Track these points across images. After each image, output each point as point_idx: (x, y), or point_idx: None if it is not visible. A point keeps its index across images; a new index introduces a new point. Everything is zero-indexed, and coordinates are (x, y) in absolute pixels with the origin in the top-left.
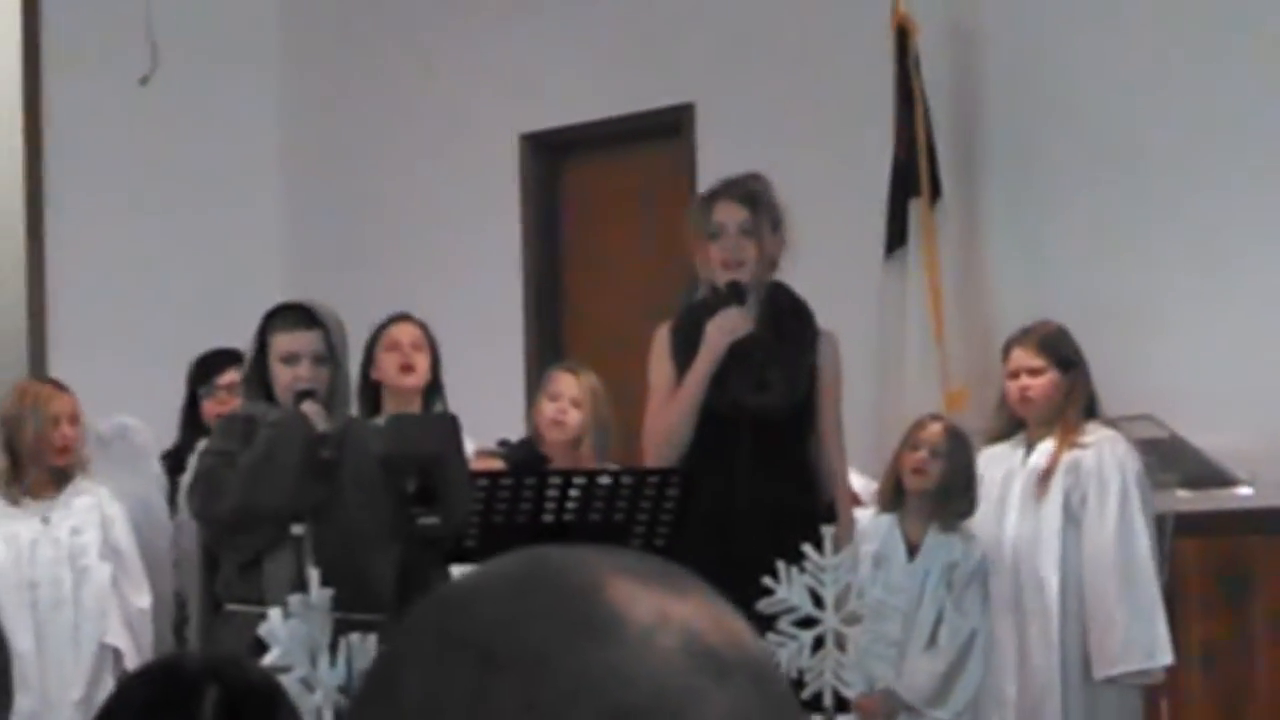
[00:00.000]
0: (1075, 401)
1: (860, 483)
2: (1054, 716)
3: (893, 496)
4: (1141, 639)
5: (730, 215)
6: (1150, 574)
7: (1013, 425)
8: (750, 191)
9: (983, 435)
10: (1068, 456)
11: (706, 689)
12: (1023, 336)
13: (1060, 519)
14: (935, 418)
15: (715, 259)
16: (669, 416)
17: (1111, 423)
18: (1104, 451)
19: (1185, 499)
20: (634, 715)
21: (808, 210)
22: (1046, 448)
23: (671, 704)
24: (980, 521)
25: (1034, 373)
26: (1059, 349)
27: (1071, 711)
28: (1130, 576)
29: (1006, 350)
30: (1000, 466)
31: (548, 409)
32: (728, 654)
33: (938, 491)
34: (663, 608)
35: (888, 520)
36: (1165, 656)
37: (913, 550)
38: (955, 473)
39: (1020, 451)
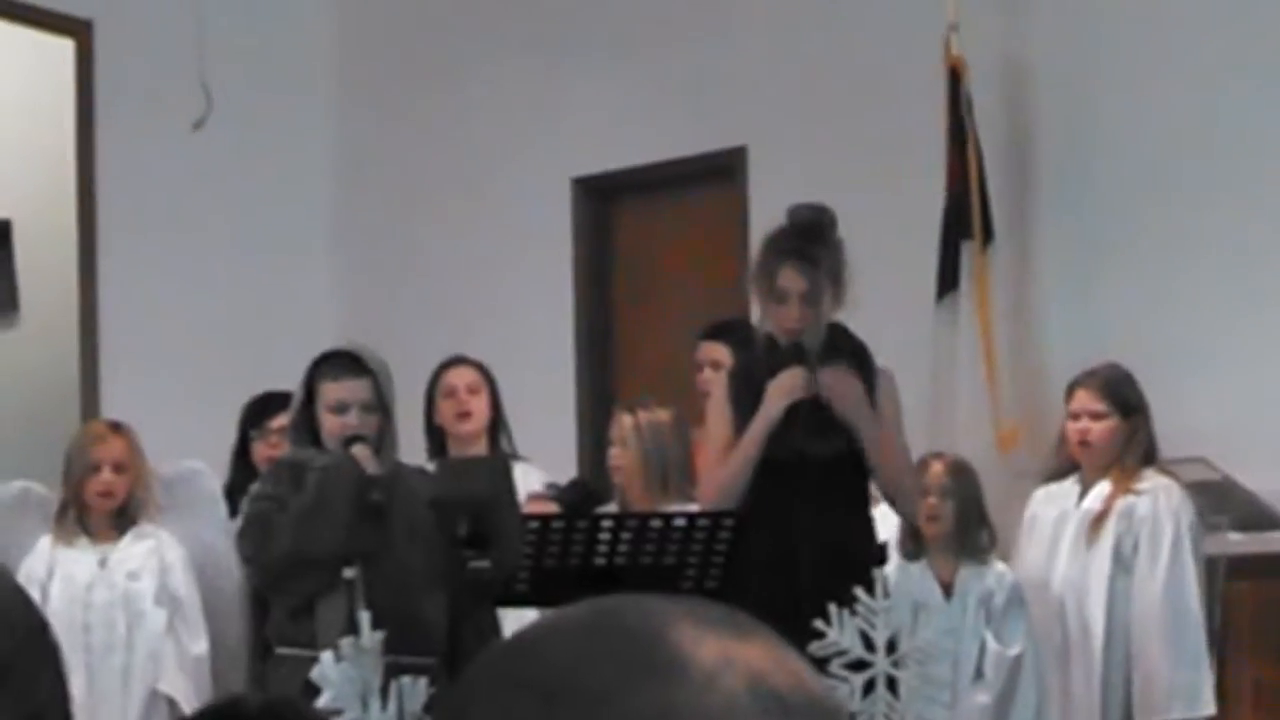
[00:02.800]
0: (1134, 448)
1: None
2: None
3: (913, 544)
4: (1186, 688)
5: (793, 283)
6: (1198, 624)
7: (1070, 465)
8: (816, 257)
9: (1040, 474)
10: (1121, 502)
11: None
12: (1087, 379)
13: (1110, 564)
14: (936, 456)
15: (776, 322)
16: (725, 473)
17: (1168, 470)
18: (1159, 499)
19: (1237, 541)
20: None
21: (860, 253)
22: (1101, 492)
23: None
24: (1031, 561)
25: (1096, 417)
26: (1122, 394)
27: None
28: (1178, 625)
29: (1070, 391)
30: (1054, 507)
31: (609, 454)
32: (792, 696)
33: (955, 529)
34: (727, 650)
35: (917, 568)
36: (1208, 707)
37: (947, 590)
38: (968, 507)
39: (1074, 494)
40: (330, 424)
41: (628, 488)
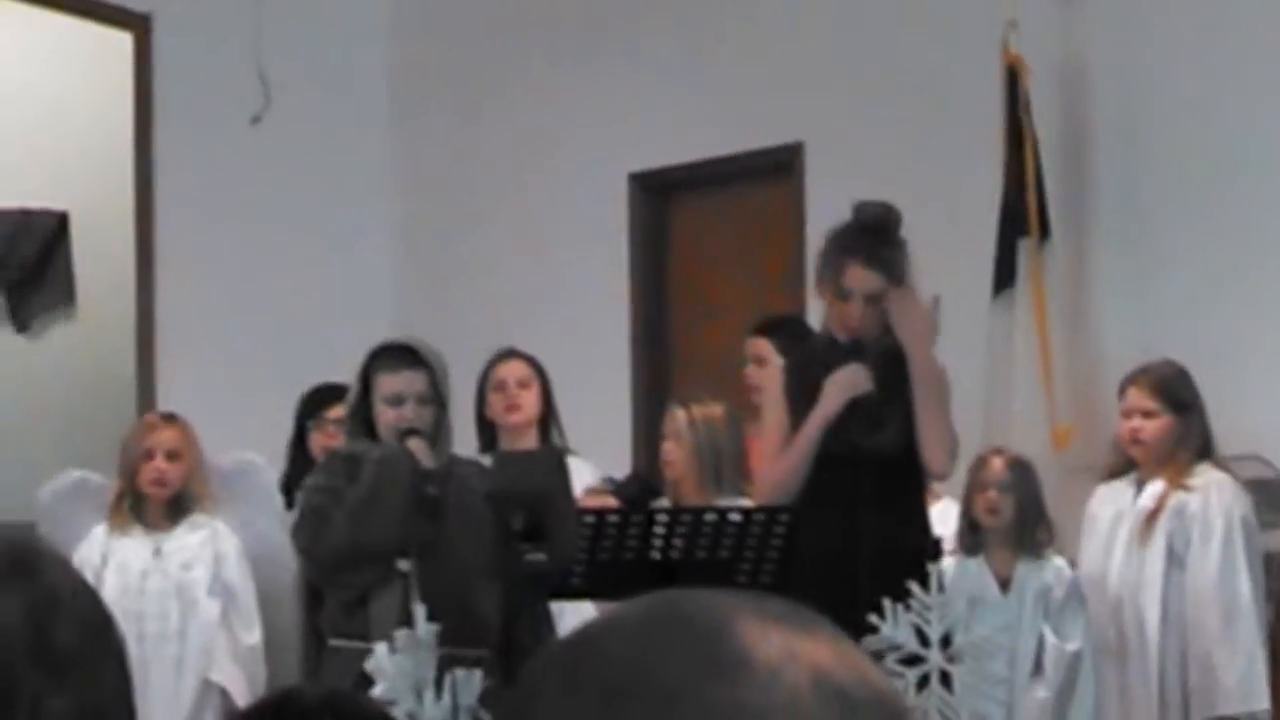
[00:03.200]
0: (1187, 445)
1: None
2: None
3: (971, 540)
4: (1239, 683)
5: (860, 283)
6: (1251, 618)
7: (1127, 463)
8: (884, 259)
9: (1098, 472)
10: (1174, 499)
11: None
12: (1140, 376)
13: (1163, 561)
14: (996, 452)
15: (838, 319)
16: (781, 467)
17: (1223, 465)
18: (1210, 495)
19: None
20: None
21: (916, 249)
22: (1155, 489)
23: None
24: (1088, 560)
25: (1147, 415)
26: (1174, 391)
27: None
28: (1231, 620)
29: (1123, 389)
30: (1111, 506)
31: (662, 449)
32: (856, 692)
33: (1015, 524)
34: (791, 646)
35: (975, 563)
36: (1262, 701)
37: (1004, 585)
38: (1027, 503)
39: (1130, 492)
40: (386, 416)
41: (680, 482)
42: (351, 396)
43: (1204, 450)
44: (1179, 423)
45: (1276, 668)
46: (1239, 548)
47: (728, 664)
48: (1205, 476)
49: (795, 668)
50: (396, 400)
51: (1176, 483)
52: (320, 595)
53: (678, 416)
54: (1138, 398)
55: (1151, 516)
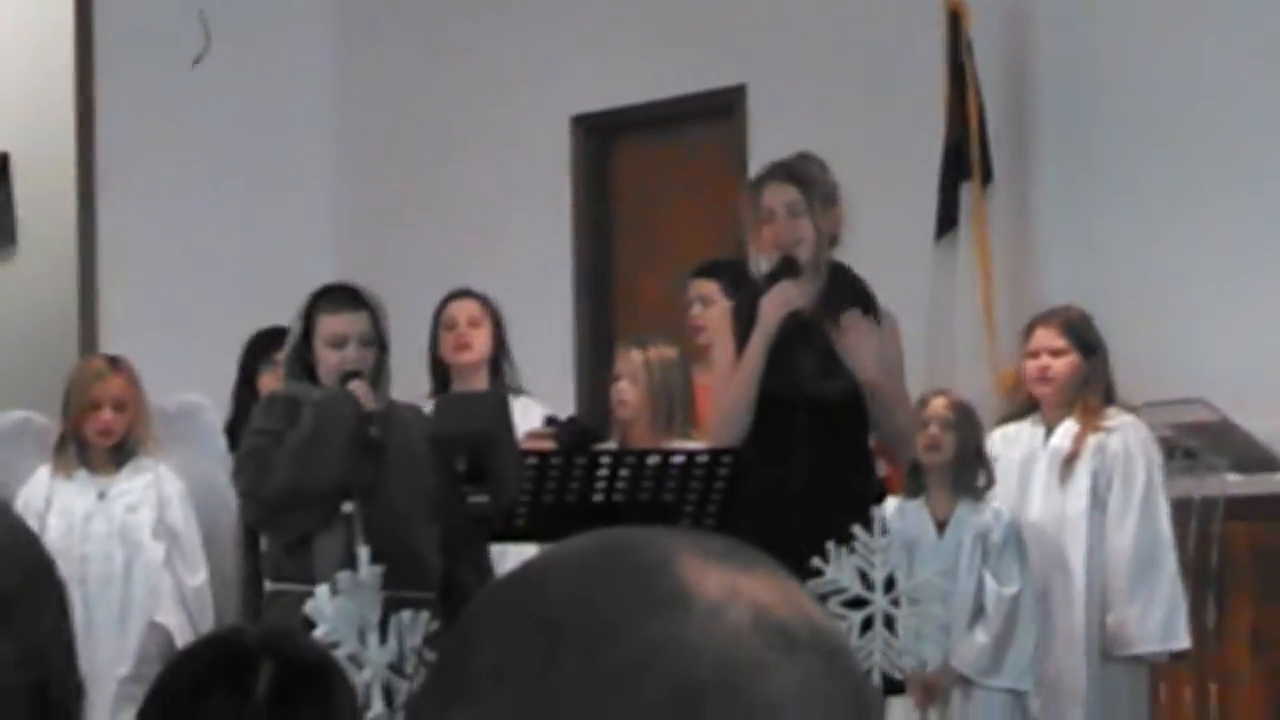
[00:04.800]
0: (1095, 386)
1: None
2: (1077, 694)
3: (913, 483)
4: (1159, 623)
5: (778, 197)
6: (1171, 558)
7: (1026, 406)
8: (796, 170)
9: (996, 416)
10: (1092, 440)
11: (776, 663)
12: (1047, 317)
13: (1087, 501)
14: (939, 393)
15: (768, 243)
16: (728, 397)
17: (1132, 408)
18: (1129, 435)
19: (1235, 483)
20: (701, 688)
21: (858, 193)
22: (1068, 430)
23: (739, 676)
24: (1002, 502)
25: (1055, 353)
26: (1082, 333)
27: (1090, 689)
28: (1151, 560)
29: (1029, 330)
30: (1017, 448)
31: (613, 389)
32: (798, 629)
33: (955, 463)
34: (732, 583)
35: (914, 505)
36: (1183, 640)
37: (941, 527)
38: (967, 443)
39: (1039, 433)
40: (328, 359)
41: (632, 424)
42: (291, 339)
43: (1108, 396)
44: (1086, 364)
45: (1220, 610)
46: (1160, 488)
47: (668, 600)
48: (1118, 418)
49: (737, 604)
50: (339, 342)
51: (1091, 424)
52: (258, 539)
53: (634, 357)
54: (1046, 337)
55: (1071, 457)
